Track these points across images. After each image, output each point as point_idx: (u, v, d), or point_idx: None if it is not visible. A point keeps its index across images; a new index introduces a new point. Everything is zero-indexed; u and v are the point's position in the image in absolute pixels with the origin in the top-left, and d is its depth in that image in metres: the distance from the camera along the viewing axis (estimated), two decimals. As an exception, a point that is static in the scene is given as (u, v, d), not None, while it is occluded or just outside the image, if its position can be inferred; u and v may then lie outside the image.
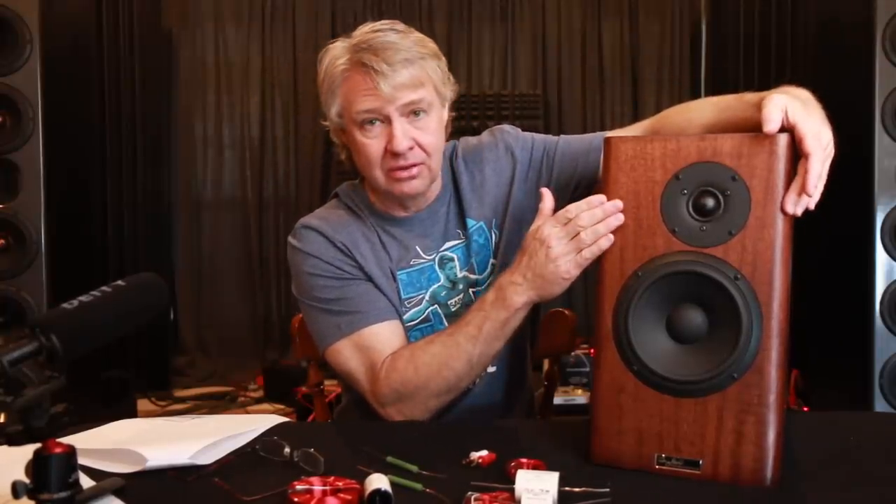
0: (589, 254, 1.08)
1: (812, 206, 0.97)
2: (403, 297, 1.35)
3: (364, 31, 1.27)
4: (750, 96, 1.11)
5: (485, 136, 1.45)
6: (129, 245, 3.93)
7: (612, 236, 1.05)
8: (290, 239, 1.36)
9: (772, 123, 0.96)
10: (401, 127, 1.24)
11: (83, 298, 0.80)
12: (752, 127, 1.01)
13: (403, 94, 1.23)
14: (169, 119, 4.49)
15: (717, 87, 4.13)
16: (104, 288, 0.83)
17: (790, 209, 0.96)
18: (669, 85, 4.54)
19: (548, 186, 1.35)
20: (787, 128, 0.98)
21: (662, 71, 4.56)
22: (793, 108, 0.98)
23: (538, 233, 1.14)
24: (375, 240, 1.35)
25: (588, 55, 4.57)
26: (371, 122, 1.25)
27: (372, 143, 1.26)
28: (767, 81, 1.08)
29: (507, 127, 1.46)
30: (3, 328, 2.61)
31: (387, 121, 1.25)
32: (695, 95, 4.43)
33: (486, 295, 1.20)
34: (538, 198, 1.24)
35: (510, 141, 1.42)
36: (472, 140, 1.45)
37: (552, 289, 1.15)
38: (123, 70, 3.88)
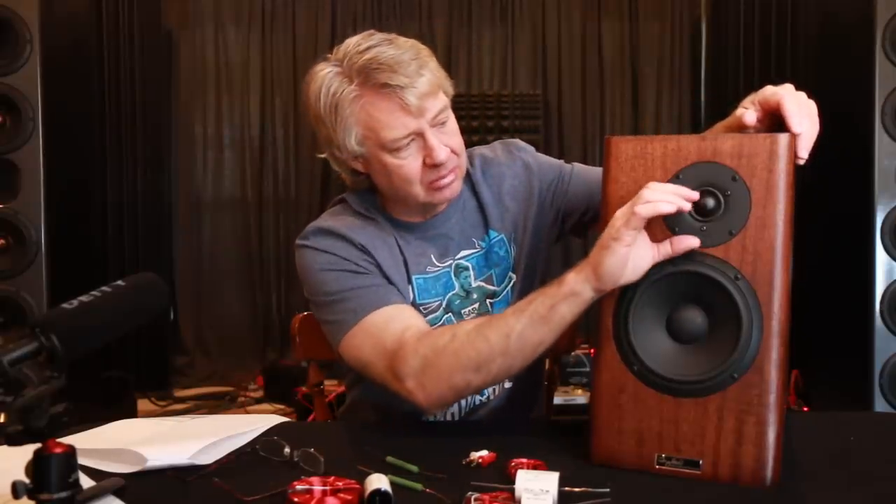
0: (643, 210, 0.98)
1: (804, 138, 0.99)
2: (419, 301, 1.31)
3: (352, 51, 1.21)
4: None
5: (499, 150, 1.43)
6: (129, 245, 3.93)
7: (671, 205, 0.98)
8: (301, 241, 1.30)
9: (748, 115, 1.00)
10: (435, 138, 1.22)
11: (83, 298, 0.80)
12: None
13: (429, 103, 1.20)
14: (169, 119, 4.49)
15: (717, 87, 4.12)
16: (104, 288, 0.83)
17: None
18: (669, 85, 4.53)
19: (559, 209, 1.39)
20: (774, 107, 1.00)
21: (662, 71, 4.55)
22: (758, 95, 1.02)
23: None
24: (393, 243, 1.31)
25: (588, 55, 4.57)
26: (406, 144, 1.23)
27: (407, 162, 1.23)
28: (767, 81, 1.07)
29: (520, 143, 1.44)
30: (3, 328, 2.61)
31: (419, 137, 1.22)
32: (695, 95, 4.42)
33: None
34: (548, 217, 1.36)
35: (528, 159, 1.41)
36: (486, 153, 1.42)
37: (608, 259, 1.01)
38: (123, 70, 3.88)
